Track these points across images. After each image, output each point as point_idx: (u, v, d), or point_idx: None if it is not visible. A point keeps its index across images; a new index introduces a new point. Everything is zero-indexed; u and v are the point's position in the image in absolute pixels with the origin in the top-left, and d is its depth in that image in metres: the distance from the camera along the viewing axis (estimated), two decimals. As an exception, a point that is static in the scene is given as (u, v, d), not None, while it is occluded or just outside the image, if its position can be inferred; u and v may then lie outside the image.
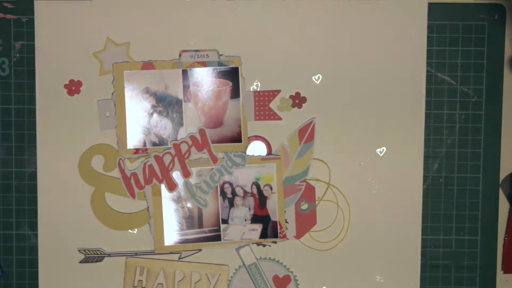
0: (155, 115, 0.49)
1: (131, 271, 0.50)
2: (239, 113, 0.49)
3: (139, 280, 0.50)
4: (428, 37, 0.50)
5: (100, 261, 0.50)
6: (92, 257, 0.50)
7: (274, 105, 0.49)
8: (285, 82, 0.49)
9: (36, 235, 0.50)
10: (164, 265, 0.50)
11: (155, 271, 0.50)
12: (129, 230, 0.50)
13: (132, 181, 0.49)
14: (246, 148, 0.49)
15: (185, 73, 0.48)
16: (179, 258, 0.50)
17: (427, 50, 0.50)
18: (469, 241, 0.51)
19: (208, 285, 0.50)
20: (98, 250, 0.50)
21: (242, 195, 0.49)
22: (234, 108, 0.49)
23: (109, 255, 0.50)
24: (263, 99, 0.49)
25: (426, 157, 0.50)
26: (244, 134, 0.49)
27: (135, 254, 0.50)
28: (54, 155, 0.50)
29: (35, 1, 0.49)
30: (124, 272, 0.50)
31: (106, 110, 0.49)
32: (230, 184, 0.49)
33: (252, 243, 0.50)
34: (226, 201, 0.49)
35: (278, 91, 0.49)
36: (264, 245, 0.50)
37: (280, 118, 0.49)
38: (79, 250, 0.50)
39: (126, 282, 0.50)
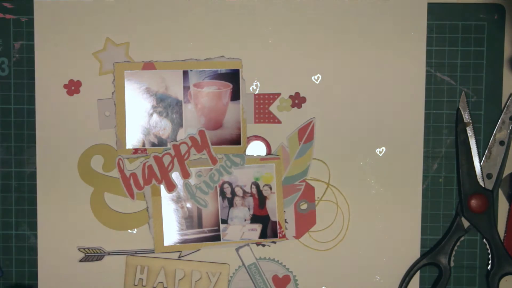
0: (155, 115, 0.50)
1: (132, 270, 0.51)
2: (238, 116, 0.50)
3: (139, 278, 0.51)
4: (427, 37, 0.51)
5: (100, 259, 0.52)
6: (92, 255, 0.51)
7: (273, 106, 0.51)
8: (285, 82, 0.51)
9: (35, 235, 0.52)
10: (165, 263, 0.52)
11: (155, 270, 0.51)
12: (129, 230, 0.52)
13: (131, 182, 0.51)
14: (245, 150, 0.51)
15: (185, 74, 0.50)
16: (179, 257, 0.52)
17: (427, 50, 0.51)
18: (469, 241, 0.53)
19: (209, 284, 0.52)
20: (97, 249, 0.52)
21: (241, 195, 0.51)
22: (234, 110, 0.50)
23: (109, 253, 0.52)
24: (263, 102, 0.51)
25: (426, 157, 0.52)
26: (243, 137, 0.50)
27: (135, 253, 0.52)
28: (53, 155, 0.51)
29: (34, 1, 0.50)
30: (125, 271, 0.51)
31: (105, 110, 0.51)
32: (230, 184, 0.51)
33: (252, 243, 0.52)
34: (226, 201, 0.51)
35: (278, 94, 0.51)
36: (263, 245, 0.52)
37: (279, 122, 0.51)
38: (78, 249, 0.52)
39: (126, 281, 0.51)
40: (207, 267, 0.52)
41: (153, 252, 0.52)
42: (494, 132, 0.51)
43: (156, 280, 0.51)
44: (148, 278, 0.51)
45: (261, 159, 0.51)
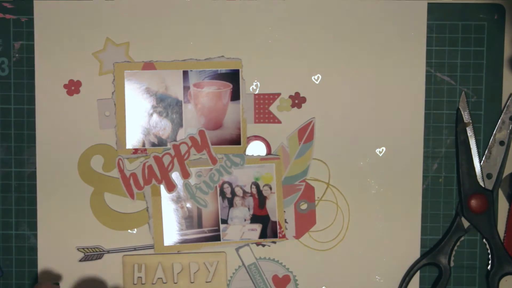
0: (154, 115, 0.51)
1: (129, 269, 0.52)
2: (238, 116, 0.50)
3: (138, 277, 0.52)
4: (427, 37, 0.51)
5: (99, 258, 0.52)
6: (92, 255, 0.52)
7: (273, 106, 0.51)
8: (285, 82, 0.51)
9: (35, 235, 0.52)
10: (161, 259, 0.52)
11: (153, 266, 0.51)
12: (129, 230, 0.52)
13: (131, 182, 0.51)
14: (245, 150, 0.51)
15: (185, 74, 0.50)
16: (178, 252, 0.52)
17: (427, 50, 0.51)
18: (469, 241, 0.53)
19: (207, 274, 0.52)
20: (97, 248, 0.52)
21: (241, 195, 0.51)
22: (234, 110, 0.50)
23: (108, 251, 0.52)
24: (263, 101, 0.51)
25: (426, 157, 0.52)
26: (243, 137, 0.51)
27: (134, 249, 0.52)
28: (53, 155, 0.51)
29: (34, 1, 0.50)
30: (122, 271, 0.52)
31: (105, 110, 0.51)
32: (230, 184, 0.51)
33: (252, 243, 0.52)
34: (226, 201, 0.51)
35: (278, 94, 0.51)
36: (263, 245, 0.52)
37: (279, 122, 0.51)
38: (78, 249, 0.52)
39: (125, 281, 0.52)
40: (204, 258, 0.52)
41: (152, 248, 0.52)
42: (494, 132, 0.51)
43: (155, 276, 0.52)
44: (146, 276, 0.52)
45: (261, 159, 0.51)
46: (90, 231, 0.52)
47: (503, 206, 0.53)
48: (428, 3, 0.51)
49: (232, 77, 0.50)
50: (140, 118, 0.50)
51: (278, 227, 0.51)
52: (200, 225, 0.51)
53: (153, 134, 0.51)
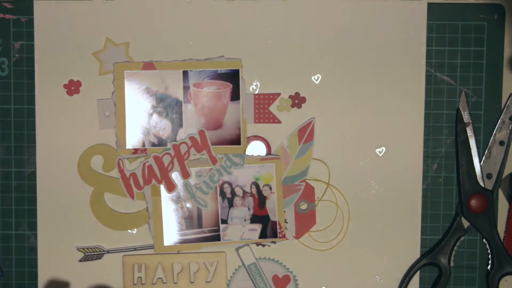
0: (154, 115, 0.51)
1: (129, 269, 0.52)
2: (238, 116, 0.50)
3: (138, 277, 0.52)
4: (427, 37, 0.51)
5: (99, 258, 0.52)
6: (92, 255, 0.52)
7: (273, 106, 0.51)
8: (285, 82, 0.51)
9: (35, 235, 0.52)
10: (161, 259, 0.52)
11: (153, 266, 0.52)
12: (129, 230, 0.52)
13: (131, 182, 0.51)
14: (244, 150, 0.51)
15: (185, 74, 0.50)
16: (178, 252, 0.52)
17: (427, 50, 0.51)
18: (469, 241, 0.53)
19: (207, 274, 0.52)
20: (97, 248, 0.52)
21: (241, 195, 0.51)
22: (234, 110, 0.50)
23: (108, 251, 0.52)
24: (263, 102, 0.51)
25: (426, 157, 0.52)
26: (243, 137, 0.51)
27: (134, 249, 0.52)
28: (53, 155, 0.51)
29: (34, 1, 0.50)
30: (122, 271, 0.52)
31: (105, 110, 0.51)
32: (230, 184, 0.51)
33: (252, 243, 0.52)
34: (226, 201, 0.51)
35: (278, 94, 0.51)
36: (263, 245, 0.52)
37: (279, 122, 0.51)
38: (77, 249, 0.52)
39: (125, 281, 0.52)
40: (203, 258, 0.52)
41: (152, 248, 0.52)
42: (494, 132, 0.52)
43: (155, 276, 0.52)
44: (146, 276, 0.52)
45: (261, 159, 0.51)
46: (90, 231, 0.52)
47: (503, 206, 0.53)
48: (428, 3, 0.51)
49: (232, 77, 0.50)
50: (140, 118, 0.51)
51: (278, 227, 0.51)
52: (200, 225, 0.51)
53: (153, 134, 0.51)
